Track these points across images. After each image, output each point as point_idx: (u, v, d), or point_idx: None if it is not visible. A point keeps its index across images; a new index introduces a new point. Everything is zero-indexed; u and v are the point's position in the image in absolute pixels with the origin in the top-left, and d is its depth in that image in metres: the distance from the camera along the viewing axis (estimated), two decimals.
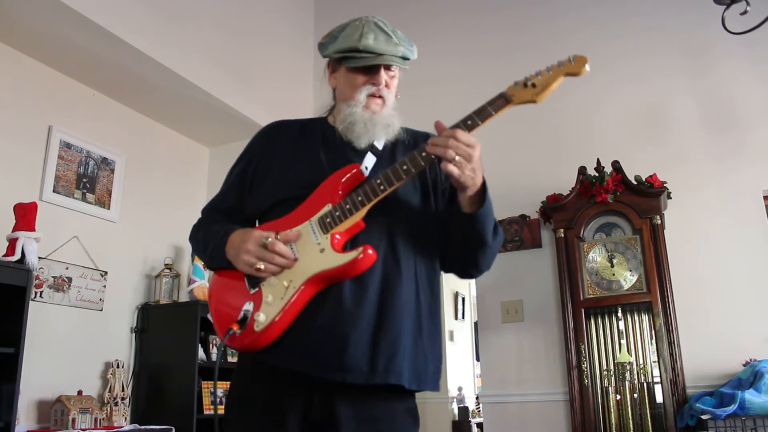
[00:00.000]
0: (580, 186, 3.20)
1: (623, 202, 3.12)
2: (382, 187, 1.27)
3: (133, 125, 3.78)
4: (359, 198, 1.27)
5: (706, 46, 3.41)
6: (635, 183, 3.11)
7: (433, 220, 1.41)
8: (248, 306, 1.29)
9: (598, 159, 3.20)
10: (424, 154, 1.27)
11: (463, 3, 4.13)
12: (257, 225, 1.45)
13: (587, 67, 1.28)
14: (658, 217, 3.06)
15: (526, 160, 3.62)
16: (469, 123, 1.26)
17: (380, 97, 1.41)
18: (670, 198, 3.21)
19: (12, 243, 2.73)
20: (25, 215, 2.78)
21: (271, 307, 1.26)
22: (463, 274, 1.46)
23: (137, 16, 3.17)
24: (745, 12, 2.67)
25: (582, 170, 3.22)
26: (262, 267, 1.27)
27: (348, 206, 1.28)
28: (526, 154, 3.63)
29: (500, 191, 3.63)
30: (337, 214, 1.28)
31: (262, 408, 1.28)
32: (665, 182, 3.11)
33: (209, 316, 1.40)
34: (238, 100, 3.77)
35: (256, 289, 1.30)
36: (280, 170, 1.42)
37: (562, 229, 3.21)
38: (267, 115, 3.83)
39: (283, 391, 1.26)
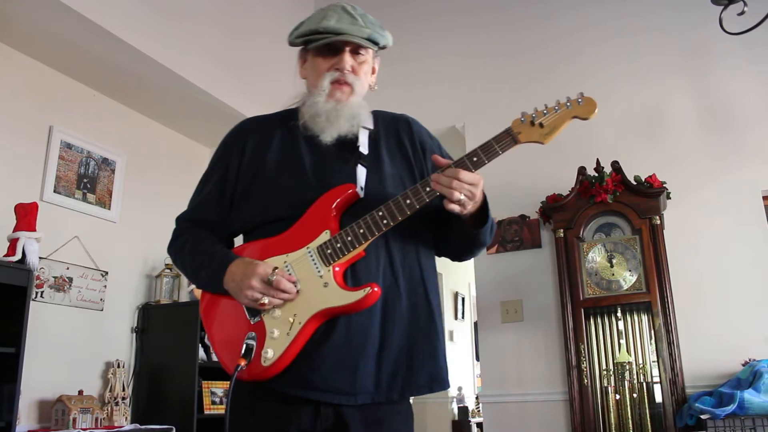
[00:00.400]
0: (579, 186, 3.21)
1: (623, 202, 3.12)
2: (385, 222, 1.25)
3: (133, 125, 3.78)
4: (361, 231, 1.25)
5: (706, 46, 3.41)
6: (635, 183, 3.11)
7: (426, 214, 1.37)
8: (251, 337, 1.27)
9: (597, 159, 3.20)
10: (428, 189, 1.25)
11: (462, 2, 4.13)
12: (243, 241, 1.41)
13: (596, 113, 1.30)
14: (658, 217, 3.06)
15: (525, 161, 3.61)
16: (475, 160, 1.25)
17: (347, 83, 1.35)
18: (670, 198, 3.21)
19: (13, 243, 2.73)
20: (26, 215, 2.79)
21: (277, 342, 1.25)
22: (456, 260, 1.50)
23: (137, 15, 3.17)
24: (743, 12, 2.67)
25: (581, 170, 3.22)
26: (266, 302, 1.25)
27: (350, 239, 1.25)
28: (525, 154, 3.59)
29: (500, 191, 3.67)
30: (339, 246, 1.25)
31: (266, 420, 1.27)
32: (664, 182, 3.11)
33: (206, 340, 1.39)
34: (239, 99, 3.77)
35: (258, 319, 1.28)
36: (266, 184, 1.35)
37: (562, 229, 3.22)
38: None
39: (289, 406, 1.26)
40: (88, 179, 3.43)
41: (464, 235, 1.36)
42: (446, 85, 3.94)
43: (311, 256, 1.27)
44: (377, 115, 1.45)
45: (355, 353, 1.24)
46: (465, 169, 1.23)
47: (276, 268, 1.26)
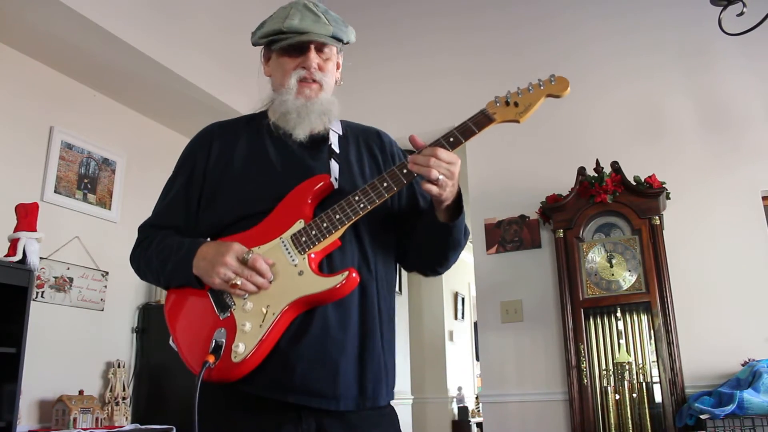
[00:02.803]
0: (579, 186, 3.21)
1: (622, 202, 3.13)
2: (361, 206, 1.20)
3: (133, 125, 3.79)
4: (337, 217, 1.20)
5: (705, 44, 3.41)
6: (634, 183, 3.12)
7: (392, 221, 1.36)
8: (220, 334, 1.17)
9: (597, 160, 3.21)
10: (405, 171, 1.22)
11: (460, 1, 4.14)
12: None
13: (569, 90, 1.29)
14: (657, 217, 3.06)
15: (525, 161, 3.63)
16: (452, 141, 1.22)
17: (315, 81, 1.32)
18: (669, 198, 3.21)
19: (13, 243, 2.73)
20: (27, 215, 2.79)
21: (249, 335, 1.16)
22: (429, 272, 1.42)
23: (137, 16, 3.18)
24: (742, 13, 2.67)
25: (581, 171, 3.23)
26: (239, 283, 1.17)
27: (326, 225, 1.20)
28: (525, 154, 3.64)
29: (500, 192, 3.68)
30: (314, 233, 1.20)
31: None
32: (664, 182, 3.11)
33: (171, 343, 1.24)
34: (239, 99, 3.78)
35: (227, 314, 1.19)
36: (236, 182, 1.30)
37: (562, 230, 3.22)
38: None
39: (266, 412, 1.18)
40: (89, 179, 3.44)
41: (438, 230, 1.29)
42: (445, 83, 3.95)
43: (284, 245, 1.21)
44: (347, 125, 1.44)
45: (335, 350, 1.17)
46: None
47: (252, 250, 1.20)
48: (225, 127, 1.42)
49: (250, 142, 1.36)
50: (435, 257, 1.37)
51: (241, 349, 1.15)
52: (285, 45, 1.32)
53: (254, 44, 1.40)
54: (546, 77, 1.29)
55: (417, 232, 1.34)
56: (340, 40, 1.35)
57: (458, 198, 1.27)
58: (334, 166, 1.31)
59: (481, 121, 1.25)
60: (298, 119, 1.30)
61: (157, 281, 1.33)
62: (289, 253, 1.20)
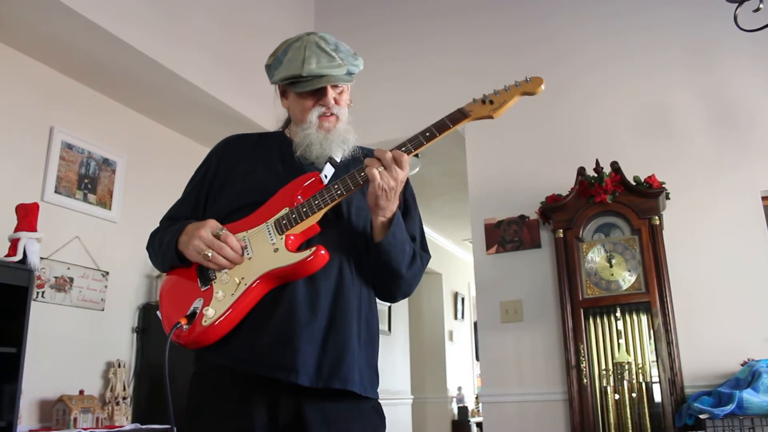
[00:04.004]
0: (579, 186, 3.21)
1: (622, 202, 3.13)
2: (339, 192, 1.31)
3: (133, 125, 3.79)
4: (315, 202, 1.31)
5: (707, 44, 3.41)
6: (634, 184, 3.12)
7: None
8: (198, 302, 1.29)
9: (597, 160, 3.21)
10: None
11: (460, 1, 4.14)
12: None
13: (543, 87, 1.36)
14: (657, 217, 3.07)
15: (525, 161, 3.63)
16: (428, 135, 1.32)
17: (332, 114, 1.44)
18: (669, 198, 3.22)
19: (14, 243, 2.74)
20: (27, 216, 2.79)
21: (220, 303, 1.27)
22: (381, 297, 1.47)
23: (138, 16, 3.18)
24: (758, 9, 2.64)
25: (581, 171, 3.23)
26: (210, 255, 1.29)
27: (304, 209, 1.31)
28: (525, 154, 3.64)
29: (500, 192, 3.69)
30: (294, 216, 1.31)
31: (226, 415, 1.26)
32: (663, 183, 3.12)
33: (158, 313, 1.39)
34: (239, 100, 3.78)
35: (208, 286, 1.31)
36: (238, 180, 1.44)
37: (561, 230, 3.22)
38: (268, 115, 3.85)
39: (247, 396, 1.25)
40: (89, 179, 3.44)
41: (374, 252, 1.36)
42: (445, 84, 3.95)
43: (268, 228, 1.33)
44: (359, 148, 1.53)
45: (299, 328, 1.24)
46: (416, 143, 1.32)
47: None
48: (240, 138, 1.57)
49: (260, 150, 1.50)
50: (379, 283, 1.43)
51: (211, 313, 1.26)
52: (307, 90, 1.42)
53: (273, 83, 1.50)
54: (522, 78, 1.39)
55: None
56: (351, 74, 1.46)
57: (394, 217, 1.34)
58: (329, 168, 1.41)
59: (456, 117, 1.35)
60: (321, 150, 1.42)
61: (159, 265, 1.47)
62: (270, 234, 1.32)
